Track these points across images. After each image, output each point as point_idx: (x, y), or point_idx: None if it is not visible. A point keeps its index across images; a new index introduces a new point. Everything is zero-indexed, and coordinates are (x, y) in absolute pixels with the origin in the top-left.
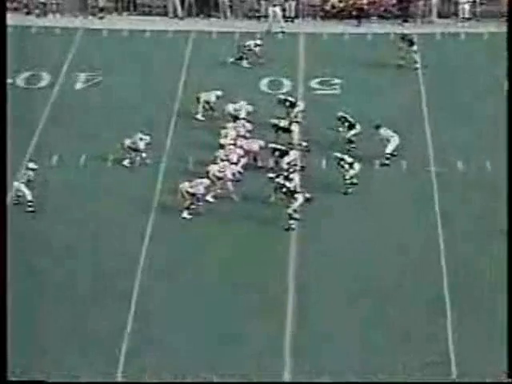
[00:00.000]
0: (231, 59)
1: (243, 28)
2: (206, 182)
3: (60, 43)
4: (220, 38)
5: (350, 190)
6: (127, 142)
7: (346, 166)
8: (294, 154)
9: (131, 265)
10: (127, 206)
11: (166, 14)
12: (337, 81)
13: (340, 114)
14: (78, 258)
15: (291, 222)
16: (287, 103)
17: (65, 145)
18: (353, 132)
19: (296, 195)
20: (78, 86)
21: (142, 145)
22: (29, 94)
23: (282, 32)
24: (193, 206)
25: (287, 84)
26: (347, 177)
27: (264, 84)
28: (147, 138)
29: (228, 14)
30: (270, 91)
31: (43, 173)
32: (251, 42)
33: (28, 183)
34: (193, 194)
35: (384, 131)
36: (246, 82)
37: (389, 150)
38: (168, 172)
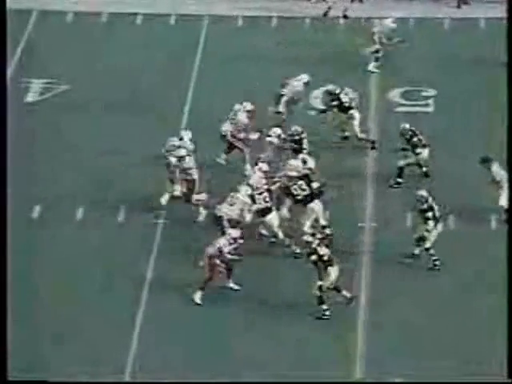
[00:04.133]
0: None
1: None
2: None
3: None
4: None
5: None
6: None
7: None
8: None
9: None
10: None
11: None
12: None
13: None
14: None
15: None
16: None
17: None
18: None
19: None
20: (30, 97)
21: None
22: None
23: (345, 16)
24: None
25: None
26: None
27: None
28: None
29: None
30: None
31: None
32: None
33: None
34: None
35: (496, 168)
36: None
37: (504, 201)
38: None
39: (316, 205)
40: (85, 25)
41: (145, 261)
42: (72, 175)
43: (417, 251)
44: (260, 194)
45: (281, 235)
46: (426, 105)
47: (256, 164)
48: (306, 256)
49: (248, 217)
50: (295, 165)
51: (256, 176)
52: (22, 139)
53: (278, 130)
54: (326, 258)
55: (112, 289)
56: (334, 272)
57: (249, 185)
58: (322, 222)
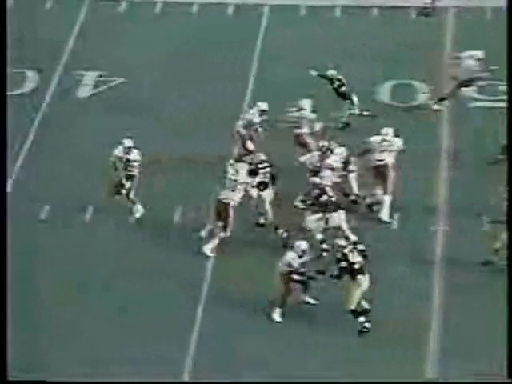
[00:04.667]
0: None
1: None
2: None
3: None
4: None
5: None
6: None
7: None
8: None
9: None
10: None
11: None
12: None
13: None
14: None
15: None
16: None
17: None
18: None
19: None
20: (83, 92)
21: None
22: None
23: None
24: None
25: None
26: None
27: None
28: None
29: None
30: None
31: None
32: None
33: None
34: None
35: None
36: None
37: None
38: None
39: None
40: (138, 14)
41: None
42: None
43: (494, 258)
44: (263, 168)
45: (270, 214)
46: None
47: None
48: (335, 262)
49: (254, 193)
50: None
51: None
52: (74, 135)
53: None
54: (357, 266)
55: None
56: (365, 281)
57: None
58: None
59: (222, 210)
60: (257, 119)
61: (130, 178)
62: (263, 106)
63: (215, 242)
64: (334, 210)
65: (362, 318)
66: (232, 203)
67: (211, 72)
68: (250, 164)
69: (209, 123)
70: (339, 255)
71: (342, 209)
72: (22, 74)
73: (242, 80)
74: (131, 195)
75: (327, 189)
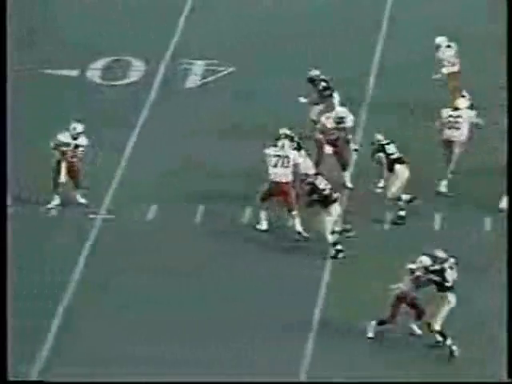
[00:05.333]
0: None
1: None
2: None
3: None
4: None
5: None
6: None
7: None
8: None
9: None
10: None
11: None
12: None
13: None
14: None
15: None
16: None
17: None
18: None
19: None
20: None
21: None
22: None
23: None
24: None
25: None
26: None
27: None
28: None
29: None
30: None
31: None
32: None
33: None
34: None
35: None
36: None
37: None
38: None
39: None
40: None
41: None
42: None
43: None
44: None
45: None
46: None
47: None
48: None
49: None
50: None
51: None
52: (180, 127)
53: None
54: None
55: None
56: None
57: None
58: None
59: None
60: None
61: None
62: (342, 112)
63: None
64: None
65: (448, 341)
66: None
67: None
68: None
69: None
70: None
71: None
72: (128, 62)
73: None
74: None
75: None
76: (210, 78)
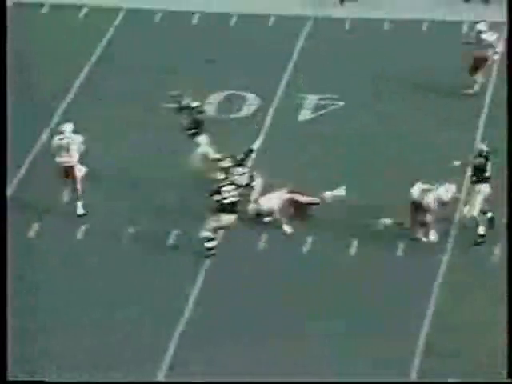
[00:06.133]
0: None
1: None
2: None
3: (277, 43)
4: None
5: None
6: None
7: None
8: None
9: None
10: None
11: None
12: None
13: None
14: None
15: None
16: None
17: None
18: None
19: None
20: (304, 115)
21: None
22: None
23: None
24: None
25: None
26: None
27: None
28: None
29: None
30: None
31: None
32: None
33: None
34: None
35: None
36: None
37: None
38: None
39: None
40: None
41: None
42: None
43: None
44: None
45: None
46: None
47: None
48: None
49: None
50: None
51: None
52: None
53: None
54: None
55: None
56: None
57: None
58: None
59: None
60: None
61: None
62: None
63: None
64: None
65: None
66: None
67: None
68: None
69: None
70: None
71: None
72: (243, 97)
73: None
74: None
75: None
76: (321, 112)
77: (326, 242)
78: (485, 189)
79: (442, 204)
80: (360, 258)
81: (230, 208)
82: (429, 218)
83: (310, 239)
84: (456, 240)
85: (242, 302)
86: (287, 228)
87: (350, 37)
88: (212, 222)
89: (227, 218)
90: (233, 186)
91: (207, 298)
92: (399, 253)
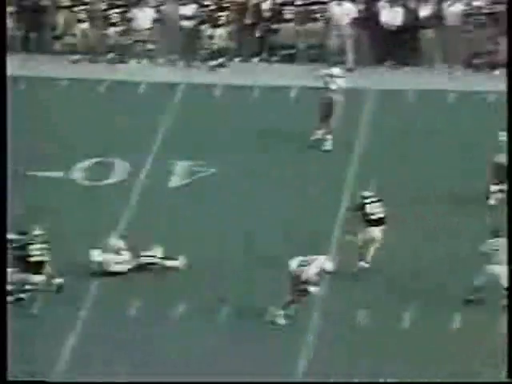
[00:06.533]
0: None
1: None
2: None
3: (149, 109)
4: None
5: None
6: None
7: None
8: None
9: None
10: None
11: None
12: None
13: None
14: None
15: None
16: None
17: None
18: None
19: None
20: (174, 182)
21: None
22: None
23: None
24: None
25: None
26: None
27: None
28: None
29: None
30: None
31: None
32: None
33: None
34: None
35: None
36: None
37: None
38: None
39: None
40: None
41: None
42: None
43: None
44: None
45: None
46: None
47: None
48: None
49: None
50: None
51: None
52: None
53: None
54: None
55: None
56: None
57: None
58: None
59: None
60: None
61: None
62: None
63: None
64: None
65: None
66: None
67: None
68: None
69: None
70: None
71: None
72: (112, 163)
73: None
74: None
75: None
76: (192, 178)
77: None
78: (372, 233)
79: (326, 273)
80: None
81: None
82: (313, 289)
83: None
84: None
85: None
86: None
87: (221, 103)
88: None
89: None
90: None
91: None
92: None
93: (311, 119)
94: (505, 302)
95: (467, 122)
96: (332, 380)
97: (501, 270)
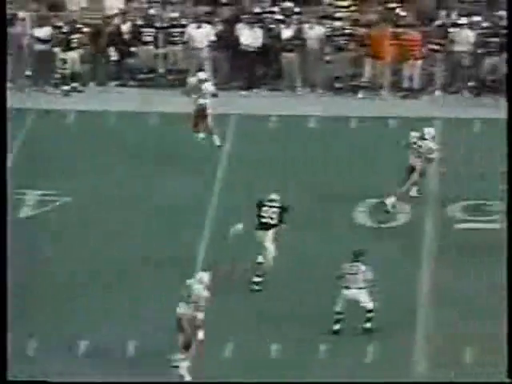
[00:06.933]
0: None
1: None
2: None
3: None
4: None
5: None
6: None
7: None
8: None
9: None
10: None
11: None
12: None
13: None
14: None
15: None
16: None
17: None
18: None
19: None
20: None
21: None
22: None
23: None
24: None
25: None
26: None
27: None
28: None
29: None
30: None
31: None
32: None
33: None
34: None
35: None
36: None
37: None
38: None
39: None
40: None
41: None
42: None
43: None
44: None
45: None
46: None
47: None
48: None
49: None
50: None
51: None
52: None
53: None
54: None
55: None
56: None
57: None
58: None
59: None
60: None
61: None
62: None
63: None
64: None
65: None
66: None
67: None
68: None
69: None
70: None
71: None
72: None
73: None
74: None
75: None
76: (44, 209)
77: None
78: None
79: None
80: None
81: None
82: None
83: None
84: None
85: None
86: None
87: (74, 130)
88: None
89: None
90: None
91: None
92: None
93: (169, 143)
94: (369, 325)
95: (329, 147)
96: (332, 380)
97: (359, 294)
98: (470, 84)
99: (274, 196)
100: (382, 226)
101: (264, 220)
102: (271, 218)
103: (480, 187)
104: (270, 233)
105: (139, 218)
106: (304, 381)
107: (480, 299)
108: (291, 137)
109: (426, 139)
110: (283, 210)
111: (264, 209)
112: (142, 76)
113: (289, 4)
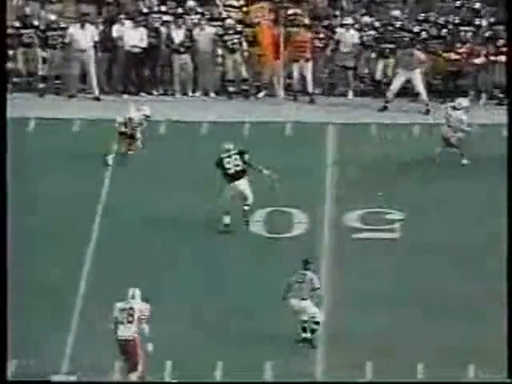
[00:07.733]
0: None
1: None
2: None
3: None
4: None
5: None
6: None
7: None
8: None
9: None
10: None
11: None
12: None
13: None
14: None
15: None
16: None
17: None
18: None
19: None
20: None
21: None
22: None
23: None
24: None
25: None
26: None
27: None
28: None
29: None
30: None
31: None
32: None
33: None
34: None
35: None
36: None
37: None
38: None
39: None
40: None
41: None
42: None
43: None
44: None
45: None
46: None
47: None
48: None
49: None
50: None
51: None
52: None
53: None
54: None
55: None
56: None
57: None
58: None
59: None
60: None
61: None
62: None
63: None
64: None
65: None
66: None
67: None
68: None
69: None
70: None
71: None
72: None
73: None
74: None
75: None
76: None
77: None
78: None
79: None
80: None
81: None
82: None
83: None
84: None
85: None
86: None
87: None
88: None
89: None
90: None
91: None
92: None
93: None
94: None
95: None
96: (333, 380)
97: (305, 305)
98: (354, 85)
99: (227, 146)
100: (278, 236)
101: (231, 171)
102: (237, 166)
103: (376, 195)
104: (244, 180)
105: None
106: (302, 381)
107: (381, 307)
108: (181, 142)
109: (457, 109)
110: (242, 153)
111: (226, 161)
112: (21, 80)
113: (191, 3)
